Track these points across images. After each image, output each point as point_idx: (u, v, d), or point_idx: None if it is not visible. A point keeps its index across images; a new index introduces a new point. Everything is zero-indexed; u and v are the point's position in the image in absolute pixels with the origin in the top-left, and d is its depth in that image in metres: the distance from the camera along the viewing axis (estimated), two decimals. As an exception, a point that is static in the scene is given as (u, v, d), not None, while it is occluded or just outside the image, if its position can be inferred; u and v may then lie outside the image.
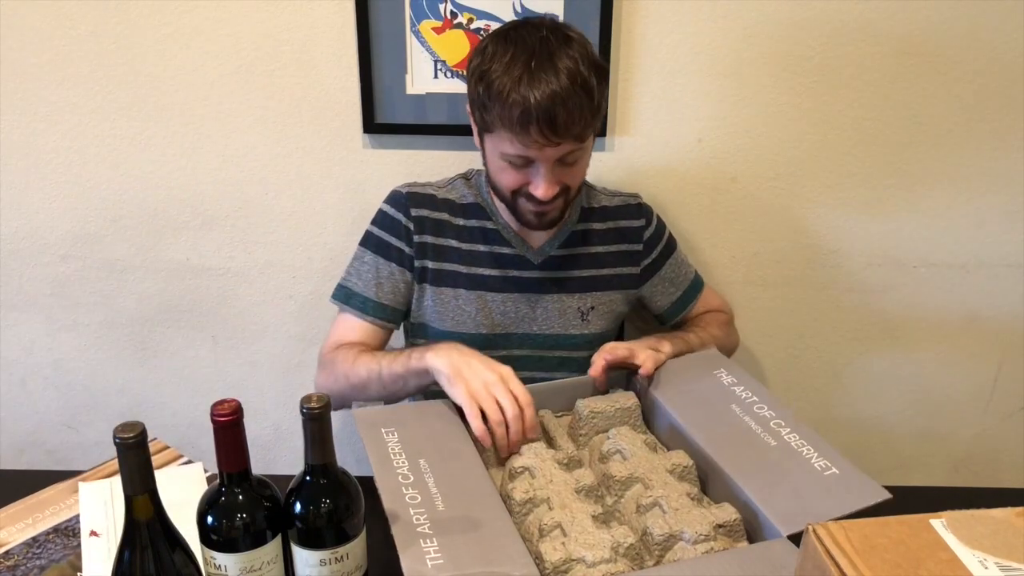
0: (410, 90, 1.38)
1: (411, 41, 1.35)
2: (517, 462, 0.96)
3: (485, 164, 1.17)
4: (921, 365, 1.56)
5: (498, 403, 0.98)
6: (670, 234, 1.34)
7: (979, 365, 1.57)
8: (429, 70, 1.37)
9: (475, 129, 1.15)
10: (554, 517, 0.86)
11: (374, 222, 1.25)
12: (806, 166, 1.43)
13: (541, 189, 1.09)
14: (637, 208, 1.30)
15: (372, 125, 1.41)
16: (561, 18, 1.33)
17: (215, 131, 1.43)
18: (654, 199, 1.41)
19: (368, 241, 1.24)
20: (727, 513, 0.87)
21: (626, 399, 1.08)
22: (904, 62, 1.36)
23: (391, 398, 1.15)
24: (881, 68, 1.36)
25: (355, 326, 1.23)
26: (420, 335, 1.26)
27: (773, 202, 1.46)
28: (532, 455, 0.97)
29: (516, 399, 0.99)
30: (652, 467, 0.95)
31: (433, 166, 1.44)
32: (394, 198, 1.25)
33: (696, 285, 1.36)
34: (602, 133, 1.41)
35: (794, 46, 1.35)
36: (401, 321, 1.27)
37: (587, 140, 1.09)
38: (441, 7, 1.33)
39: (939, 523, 0.63)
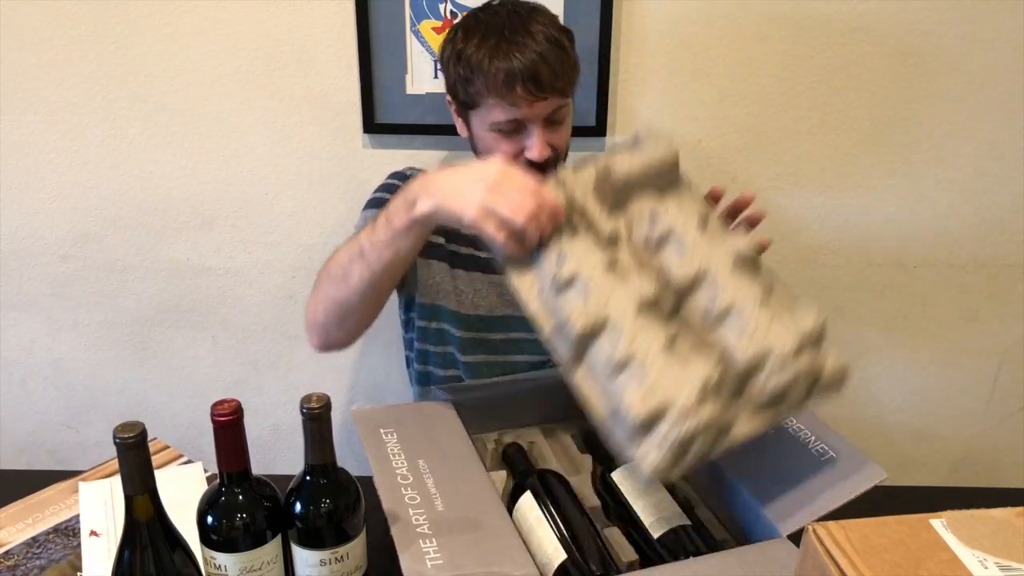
0: (410, 90, 1.38)
1: (411, 41, 1.35)
2: (564, 270, 0.84)
3: (474, 145, 1.18)
4: (921, 365, 1.56)
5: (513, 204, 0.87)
6: None
7: (979, 365, 1.57)
8: (429, 70, 1.37)
9: (458, 115, 1.17)
10: (622, 350, 0.78)
11: (378, 189, 1.22)
12: (806, 166, 1.43)
13: (536, 150, 1.10)
14: None
15: (372, 125, 1.41)
16: (561, 18, 1.32)
17: (215, 131, 1.43)
18: (654, 199, 1.42)
19: (373, 203, 1.20)
20: (808, 319, 0.79)
21: (660, 147, 0.93)
22: (904, 62, 1.36)
23: (378, 282, 0.99)
24: (881, 68, 1.36)
25: None
26: (424, 317, 1.24)
27: (773, 202, 1.46)
28: (575, 261, 0.85)
29: (526, 189, 0.87)
30: (713, 259, 0.84)
31: (433, 166, 1.44)
32: (398, 175, 1.25)
33: None
34: (602, 133, 1.41)
35: (794, 46, 1.35)
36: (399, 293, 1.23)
37: (569, 96, 1.13)
38: (441, 7, 1.33)
39: (939, 523, 0.63)
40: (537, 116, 1.09)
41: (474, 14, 1.12)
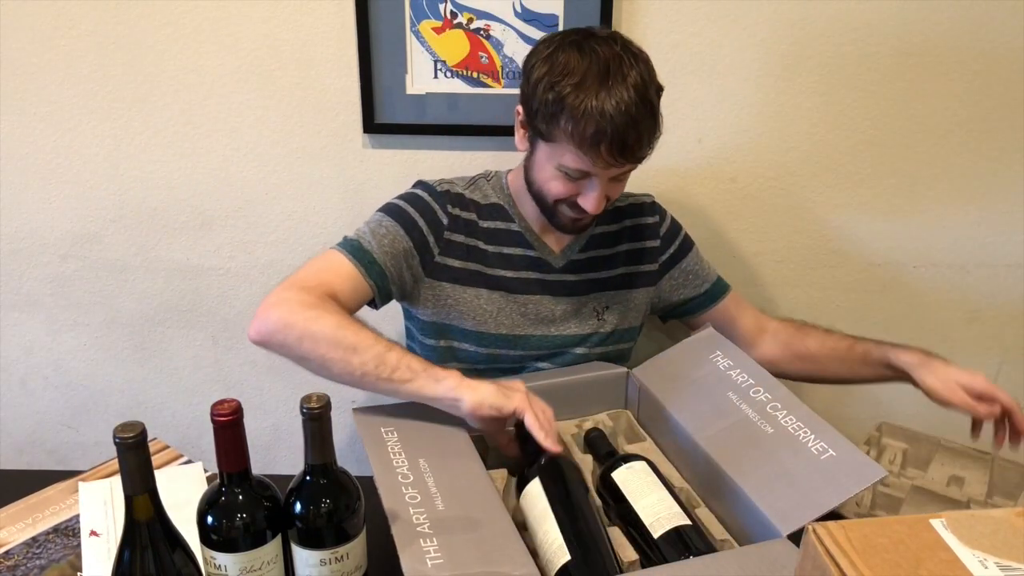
0: (410, 90, 1.38)
1: (411, 41, 1.35)
2: None
3: (530, 167, 1.15)
4: (921, 365, 1.56)
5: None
6: (687, 233, 1.33)
7: (979, 365, 1.56)
8: (429, 70, 1.37)
9: (524, 131, 1.13)
10: None
11: (402, 198, 1.20)
12: (806, 166, 1.43)
13: (592, 203, 1.09)
14: (651, 206, 1.30)
15: (372, 125, 1.41)
16: (560, 18, 1.33)
17: (215, 131, 1.43)
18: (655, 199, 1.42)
19: (392, 211, 1.17)
20: None
21: None
22: (904, 62, 1.36)
23: (358, 384, 1.02)
24: (881, 68, 1.36)
25: (349, 276, 1.10)
26: (432, 335, 1.22)
27: (773, 202, 1.46)
28: None
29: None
30: None
31: (433, 166, 1.44)
32: (428, 188, 1.20)
33: (724, 283, 1.34)
34: (602, 133, 1.41)
35: (794, 46, 1.35)
36: (379, 307, 1.18)
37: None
38: (441, 7, 1.33)
39: (939, 523, 0.63)
40: (608, 175, 1.08)
41: (579, 42, 1.06)
